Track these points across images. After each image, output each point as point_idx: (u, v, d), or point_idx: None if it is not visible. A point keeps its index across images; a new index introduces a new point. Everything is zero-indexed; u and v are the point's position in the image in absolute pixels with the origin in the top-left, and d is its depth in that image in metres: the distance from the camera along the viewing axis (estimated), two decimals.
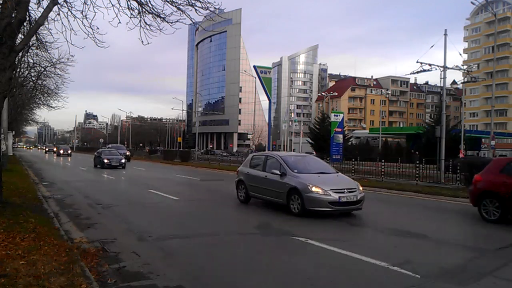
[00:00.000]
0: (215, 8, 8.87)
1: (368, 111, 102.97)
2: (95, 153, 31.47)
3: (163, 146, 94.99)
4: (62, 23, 8.27)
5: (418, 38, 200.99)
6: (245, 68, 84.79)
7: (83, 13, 8.11)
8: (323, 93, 77.84)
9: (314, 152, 53.13)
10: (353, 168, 22.76)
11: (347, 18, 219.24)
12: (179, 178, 21.76)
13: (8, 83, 8.26)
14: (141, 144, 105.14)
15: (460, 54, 40.02)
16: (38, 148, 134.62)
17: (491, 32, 76.59)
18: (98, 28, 8.53)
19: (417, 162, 21.14)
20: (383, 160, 21.91)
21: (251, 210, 10.99)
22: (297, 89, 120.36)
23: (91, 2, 8.14)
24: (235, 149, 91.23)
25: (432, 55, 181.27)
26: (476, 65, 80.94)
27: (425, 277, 5.16)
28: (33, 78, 21.68)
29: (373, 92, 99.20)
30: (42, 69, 19.32)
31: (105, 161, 27.92)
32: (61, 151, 56.89)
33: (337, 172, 11.35)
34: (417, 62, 25.01)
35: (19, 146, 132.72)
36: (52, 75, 21.37)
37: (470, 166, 16.98)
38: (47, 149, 76.32)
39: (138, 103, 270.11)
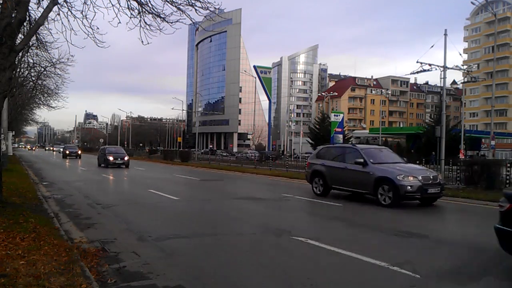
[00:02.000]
0: (215, 8, 8.87)
1: (368, 111, 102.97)
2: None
3: (163, 146, 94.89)
4: (62, 23, 8.28)
5: (418, 38, 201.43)
6: (245, 68, 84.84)
7: (83, 13, 8.12)
8: (323, 93, 77.84)
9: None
10: None
11: (347, 18, 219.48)
12: (179, 178, 21.75)
13: (8, 83, 8.26)
14: (141, 144, 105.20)
15: (460, 54, 40.13)
16: (46, 149, 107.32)
17: (491, 32, 76.58)
18: (98, 28, 8.54)
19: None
20: None
21: (251, 210, 11.00)
22: (297, 89, 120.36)
23: (91, 2, 8.15)
24: (235, 149, 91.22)
25: (432, 55, 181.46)
26: (476, 65, 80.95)
27: (425, 277, 5.15)
28: (33, 78, 21.71)
29: (373, 92, 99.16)
30: (42, 69, 19.35)
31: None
32: (111, 158, 29.80)
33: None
34: (417, 62, 25.09)
35: (20, 146, 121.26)
36: (52, 75, 21.39)
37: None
38: (67, 152, 46.96)
39: (138, 103, 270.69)
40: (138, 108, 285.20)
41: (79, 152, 48.00)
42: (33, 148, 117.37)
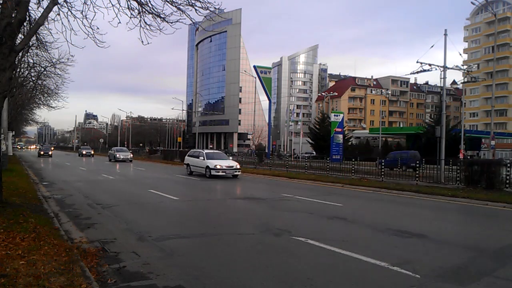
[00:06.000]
0: (215, 8, 8.87)
1: (368, 111, 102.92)
2: None
3: (163, 146, 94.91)
4: (62, 23, 8.29)
5: (418, 38, 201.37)
6: (245, 68, 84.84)
7: (83, 13, 8.13)
8: (323, 93, 77.84)
9: (314, 152, 53.28)
10: (353, 168, 22.75)
11: (347, 18, 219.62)
12: (179, 178, 21.74)
13: (8, 83, 8.26)
14: (141, 144, 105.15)
15: (460, 54, 39.99)
16: (84, 153, 54.74)
17: (491, 32, 76.59)
18: (98, 28, 8.55)
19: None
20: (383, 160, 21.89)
21: (251, 210, 11.00)
22: (297, 89, 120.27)
23: (91, 2, 8.16)
24: (235, 149, 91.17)
25: (432, 55, 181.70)
26: (476, 65, 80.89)
27: (425, 277, 5.16)
28: (33, 78, 21.75)
29: (373, 92, 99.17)
30: (42, 69, 19.38)
31: None
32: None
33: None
34: (417, 62, 25.00)
35: (20, 147, 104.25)
36: (52, 75, 21.45)
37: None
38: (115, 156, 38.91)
39: (138, 103, 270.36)
40: (138, 108, 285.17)
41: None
42: (49, 152, 52.68)
